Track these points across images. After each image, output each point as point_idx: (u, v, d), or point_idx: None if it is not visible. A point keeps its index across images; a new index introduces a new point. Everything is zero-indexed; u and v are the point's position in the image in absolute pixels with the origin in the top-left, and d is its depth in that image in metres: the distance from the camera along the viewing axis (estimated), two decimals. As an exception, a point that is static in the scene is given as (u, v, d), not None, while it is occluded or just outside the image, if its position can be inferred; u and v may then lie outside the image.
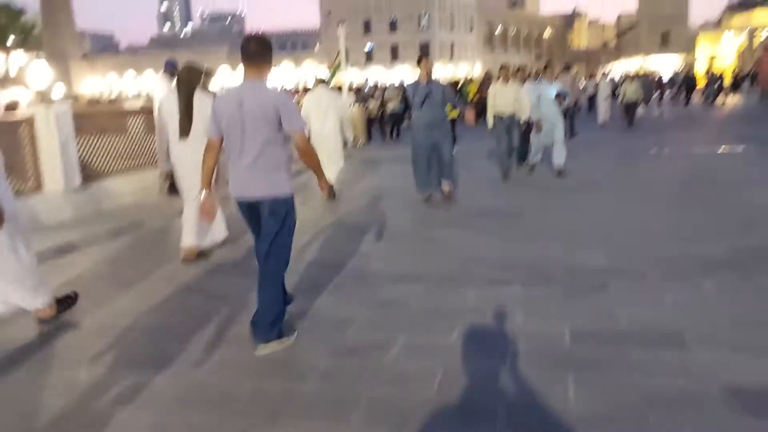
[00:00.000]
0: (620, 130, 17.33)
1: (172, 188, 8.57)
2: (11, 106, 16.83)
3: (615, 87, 24.83)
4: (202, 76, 5.73)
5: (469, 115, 7.88)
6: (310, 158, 3.69)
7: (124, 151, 8.94)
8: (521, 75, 14.71)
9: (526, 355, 3.49)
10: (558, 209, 7.60)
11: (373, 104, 18.41)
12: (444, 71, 68.01)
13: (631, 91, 18.32)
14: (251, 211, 3.78)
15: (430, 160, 7.92)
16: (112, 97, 68.41)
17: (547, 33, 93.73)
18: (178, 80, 5.75)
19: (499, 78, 9.85)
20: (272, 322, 3.71)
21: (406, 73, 66.73)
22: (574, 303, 4.31)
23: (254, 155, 3.62)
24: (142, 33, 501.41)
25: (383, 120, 18.54)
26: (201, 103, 5.53)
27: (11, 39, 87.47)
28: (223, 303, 4.60)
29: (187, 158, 5.55)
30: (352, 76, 62.89)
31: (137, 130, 9.45)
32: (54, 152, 7.45)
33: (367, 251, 5.96)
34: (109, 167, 8.62)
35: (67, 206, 7.52)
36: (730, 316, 3.94)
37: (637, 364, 3.31)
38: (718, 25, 77.87)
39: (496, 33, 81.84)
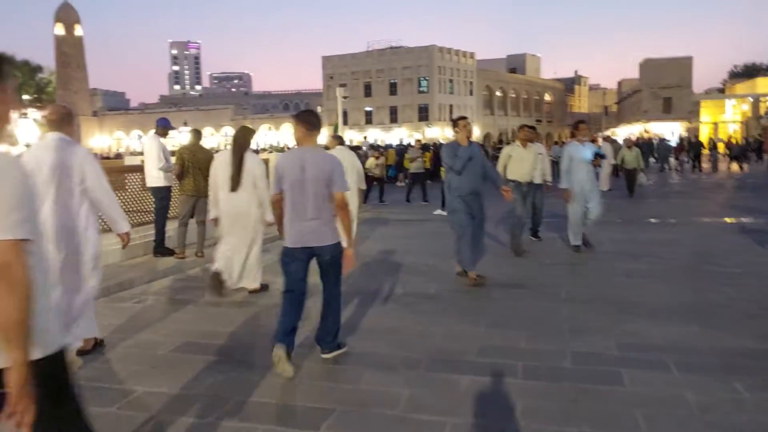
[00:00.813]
0: (623, 198, 16.78)
1: (159, 250, 8.74)
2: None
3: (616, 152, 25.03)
4: (253, 136, 6.94)
5: (507, 194, 7.18)
6: (347, 216, 4.51)
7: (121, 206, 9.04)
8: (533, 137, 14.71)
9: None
10: (568, 284, 7.12)
11: (379, 163, 18.44)
12: (442, 133, 69.16)
13: (630, 158, 17.70)
14: (307, 257, 4.50)
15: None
16: (119, 151, 69.73)
17: (548, 97, 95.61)
18: (234, 140, 6.81)
19: (512, 139, 9.33)
20: (336, 335, 4.72)
21: (404, 135, 67.80)
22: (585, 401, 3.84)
23: (314, 210, 4.39)
24: (152, 92, 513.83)
25: (384, 181, 18.77)
26: (250, 160, 6.60)
27: (26, 96, 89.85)
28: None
29: (234, 207, 6.60)
30: (351, 136, 64.26)
31: (135, 187, 9.62)
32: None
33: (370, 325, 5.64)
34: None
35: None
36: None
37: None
38: (721, 91, 78.74)
39: (496, 96, 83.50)
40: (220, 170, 6.70)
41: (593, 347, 4.80)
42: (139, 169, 9.52)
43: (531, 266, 8.14)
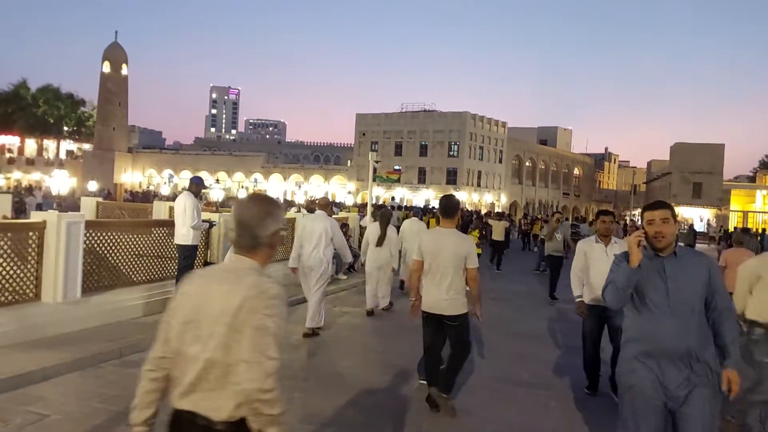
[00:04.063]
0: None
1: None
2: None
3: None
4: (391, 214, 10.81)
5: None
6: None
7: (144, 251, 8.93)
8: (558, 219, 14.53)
9: None
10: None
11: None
12: (469, 197, 69.10)
13: None
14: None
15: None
16: (149, 188, 70.82)
17: (577, 171, 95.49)
18: (381, 215, 10.39)
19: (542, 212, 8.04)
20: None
21: (431, 196, 67.88)
22: None
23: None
24: (189, 133, 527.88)
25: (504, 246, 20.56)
26: (389, 228, 10.04)
27: (67, 128, 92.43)
28: None
29: (378, 259, 9.92)
30: (378, 192, 64.50)
31: (162, 240, 9.30)
32: (59, 262, 7.36)
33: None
34: (119, 275, 8.47)
35: (59, 321, 7.34)
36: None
37: None
38: (752, 179, 77.94)
39: (525, 166, 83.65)
40: (370, 235, 9.91)
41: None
42: (170, 224, 9.37)
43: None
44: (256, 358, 2.14)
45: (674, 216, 3.53)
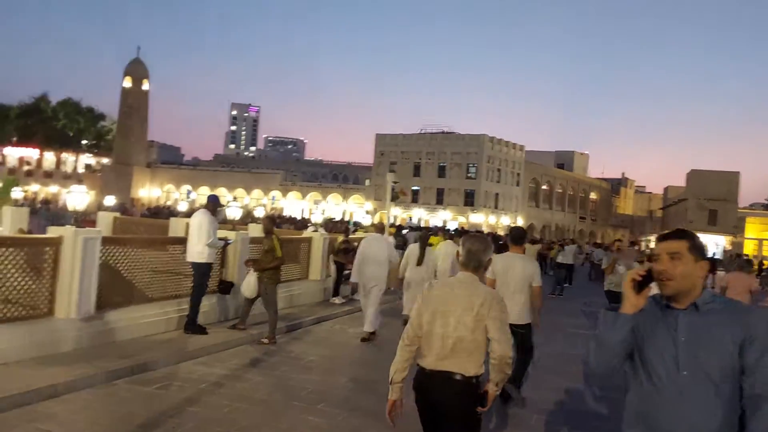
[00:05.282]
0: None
1: (191, 327, 8.47)
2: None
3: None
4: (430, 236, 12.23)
5: None
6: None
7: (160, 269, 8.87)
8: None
9: None
10: None
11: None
12: (486, 219, 68.85)
13: None
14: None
15: None
16: (167, 204, 71.37)
17: (594, 195, 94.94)
18: (420, 237, 11.40)
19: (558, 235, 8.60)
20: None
21: (448, 217, 67.71)
22: None
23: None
24: (208, 149, 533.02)
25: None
26: (427, 249, 10.60)
27: (85, 141, 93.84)
28: None
29: (417, 276, 10.12)
30: (396, 212, 64.56)
31: (178, 257, 9.16)
32: (74, 278, 7.34)
33: None
34: (133, 291, 8.42)
35: (72, 336, 7.29)
36: None
37: None
38: (766, 207, 77.19)
39: (542, 189, 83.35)
40: (411, 254, 10.57)
41: None
42: (182, 241, 9.32)
43: None
44: (503, 337, 3.37)
45: (696, 250, 2.46)
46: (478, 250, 3.60)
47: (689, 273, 2.43)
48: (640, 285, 2.42)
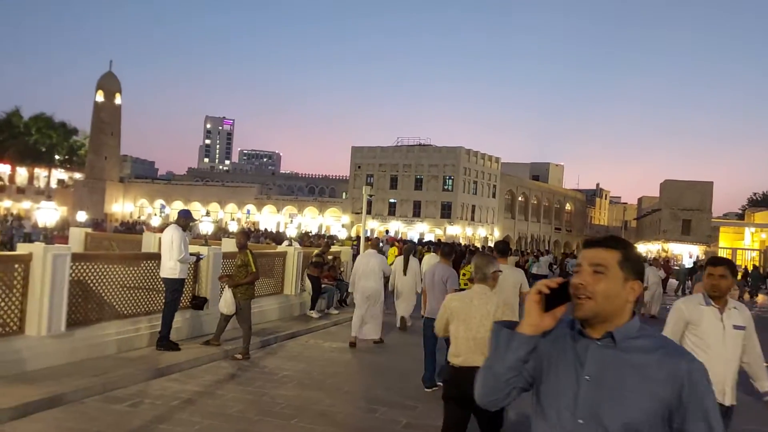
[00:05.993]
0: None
1: (163, 343, 8.39)
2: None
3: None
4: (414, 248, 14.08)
5: None
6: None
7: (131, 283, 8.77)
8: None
9: None
10: None
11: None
12: (463, 231, 69.21)
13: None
14: None
15: None
16: (140, 219, 70.55)
17: (569, 206, 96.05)
18: (405, 248, 13.47)
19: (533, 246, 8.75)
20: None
21: (425, 229, 67.91)
22: None
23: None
24: (182, 163, 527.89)
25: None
26: (411, 260, 11.89)
27: (58, 156, 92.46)
28: None
29: (404, 284, 11.59)
30: (373, 225, 64.48)
31: (150, 273, 9.14)
32: (44, 294, 7.24)
33: None
34: (105, 308, 8.33)
35: (42, 354, 7.18)
36: None
37: None
38: (740, 217, 78.55)
39: (518, 201, 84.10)
40: (397, 268, 11.74)
41: None
42: (158, 256, 9.25)
43: None
44: None
45: (628, 265, 1.87)
46: (481, 264, 4.64)
47: (614, 293, 1.84)
48: (551, 301, 1.85)
